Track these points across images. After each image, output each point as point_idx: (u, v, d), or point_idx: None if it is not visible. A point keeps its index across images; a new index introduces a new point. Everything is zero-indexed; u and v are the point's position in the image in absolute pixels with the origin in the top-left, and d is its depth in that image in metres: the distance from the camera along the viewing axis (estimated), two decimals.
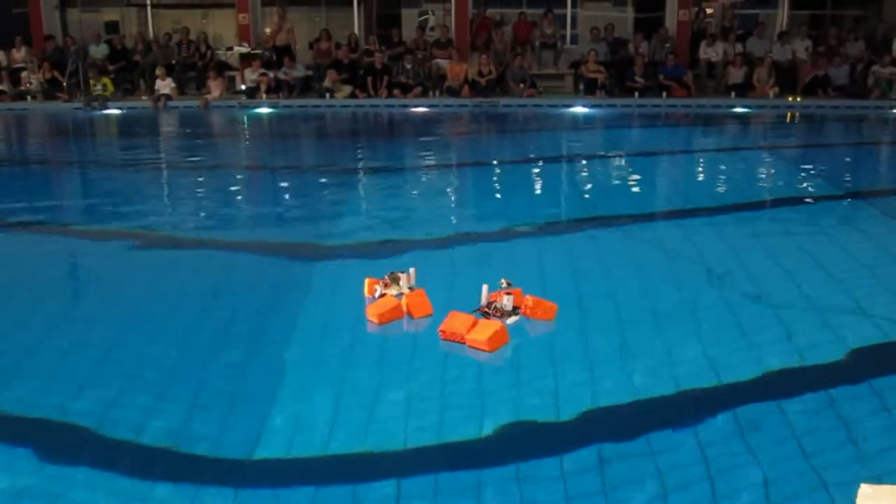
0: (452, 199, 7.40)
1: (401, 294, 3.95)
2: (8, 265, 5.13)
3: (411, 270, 4.11)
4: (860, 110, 14.02)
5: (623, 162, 9.36)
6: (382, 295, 3.97)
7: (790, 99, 14.62)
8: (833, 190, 7.52)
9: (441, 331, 3.56)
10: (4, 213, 6.49)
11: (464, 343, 3.47)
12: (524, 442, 2.78)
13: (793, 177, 8.39)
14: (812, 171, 8.62)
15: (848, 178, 8.46)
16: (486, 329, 3.46)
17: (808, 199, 6.94)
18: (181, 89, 15.61)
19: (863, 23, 17.34)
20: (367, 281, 4.10)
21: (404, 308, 3.82)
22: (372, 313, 3.78)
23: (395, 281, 4.03)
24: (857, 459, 2.62)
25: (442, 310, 3.75)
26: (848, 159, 9.86)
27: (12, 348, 3.65)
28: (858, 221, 6.22)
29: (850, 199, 7.05)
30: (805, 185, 7.89)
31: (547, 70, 16.32)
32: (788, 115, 14.10)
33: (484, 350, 3.40)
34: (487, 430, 2.83)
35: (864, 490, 2.13)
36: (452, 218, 6.41)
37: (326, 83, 15.05)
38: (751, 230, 5.81)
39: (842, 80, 14.85)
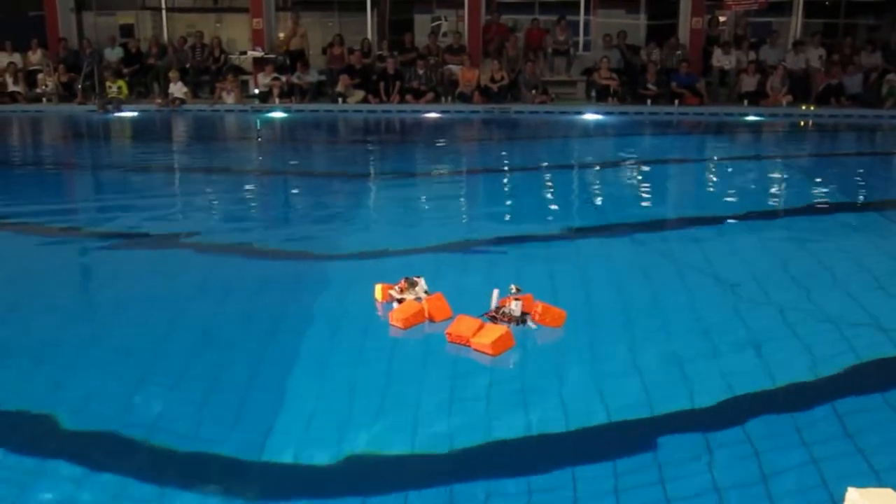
0: (464, 205, 7.41)
1: (419, 298, 3.95)
2: (15, 262, 5.16)
3: (420, 280, 4.11)
4: (874, 119, 13.94)
5: (634, 170, 9.34)
6: (401, 300, 3.97)
7: (803, 107, 14.55)
8: (847, 199, 7.48)
9: (448, 333, 3.58)
10: (18, 214, 6.55)
11: (469, 346, 3.48)
12: (526, 449, 2.78)
13: (806, 186, 8.35)
14: (825, 181, 8.58)
15: (862, 188, 8.41)
16: (491, 333, 3.48)
17: (821, 209, 6.90)
18: (195, 93, 15.71)
19: (877, 31, 17.26)
20: (379, 286, 4.10)
21: (426, 313, 3.83)
22: (396, 318, 3.79)
23: (413, 285, 4.03)
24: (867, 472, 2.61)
25: (456, 314, 3.76)
26: (862, 169, 9.80)
27: (24, 346, 3.68)
28: (872, 231, 6.18)
29: (863, 209, 7.00)
30: (818, 194, 7.85)
31: (559, 77, 16.31)
32: (801, 123, 14.04)
33: (488, 353, 3.41)
34: (488, 436, 2.82)
35: (851, 494, 2.12)
36: (463, 224, 6.41)
37: (339, 88, 15.10)
38: (763, 240, 5.77)
39: (855, 88, 14.78)
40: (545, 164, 9.83)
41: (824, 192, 7.93)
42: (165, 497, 2.48)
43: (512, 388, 3.20)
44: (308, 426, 2.90)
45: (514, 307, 3.76)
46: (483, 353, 3.43)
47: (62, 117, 14.66)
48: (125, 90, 15.52)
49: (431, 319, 3.81)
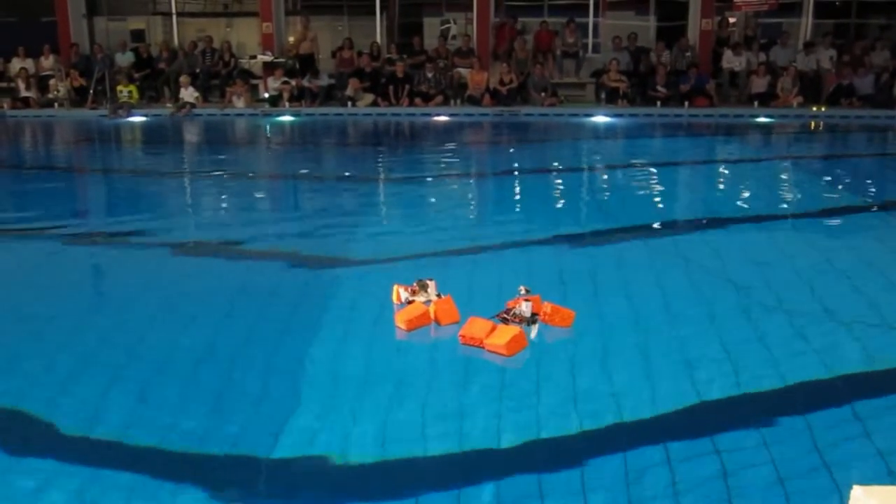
0: (473, 208, 7.42)
1: (429, 301, 3.97)
2: (27, 269, 5.20)
3: (431, 282, 4.13)
4: (886, 120, 13.86)
5: (644, 172, 9.32)
6: (410, 302, 3.99)
7: (814, 108, 14.48)
8: (858, 201, 7.44)
9: (461, 335, 3.60)
10: (30, 221, 6.59)
11: (482, 347, 3.49)
12: (540, 449, 2.78)
13: (817, 188, 8.31)
14: (836, 182, 8.54)
15: (873, 189, 8.36)
16: (505, 334, 3.49)
17: (832, 211, 6.86)
18: (205, 97, 15.77)
19: (888, 31, 17.15)
20: (395, 287, 4.13)
21: (432, 315, 3.84)
22: (400, 320, 3.81)
23: (424, 288, 4.06)
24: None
25: (465, 317, 3.77)
26: (873, 170, 9.75)
27: (38, 351, 3.71)
28: (884, 233, 6.15)
29: (875, 211, 6.96)
30: (829, 196, 7.82)
31: (568, 79, 16.28)
32: (813, 125, 13.97)
33: (502, 354, 3.42)
34: (504, 436, 2.83)
35: (856, 492, 2.11)
36: (473, 226, 6.42)
37: (349, 92, 15.13)
38: (774, 242, 5.76)
39: (867, 89, 14.70)
40: (555, 166, 9.82)
41: (836, 194, 7.89)
42: (178, 496, 2.50)
43: (525, 387, 3.21)
44: (319, 426, 2.91)
45: (525, 308, 3.77)
46: (497, 353, 3.44)
47: (74, 122, 14.73)
48: (136, 95, 15.60)
49: (437, 322, 3.82)
